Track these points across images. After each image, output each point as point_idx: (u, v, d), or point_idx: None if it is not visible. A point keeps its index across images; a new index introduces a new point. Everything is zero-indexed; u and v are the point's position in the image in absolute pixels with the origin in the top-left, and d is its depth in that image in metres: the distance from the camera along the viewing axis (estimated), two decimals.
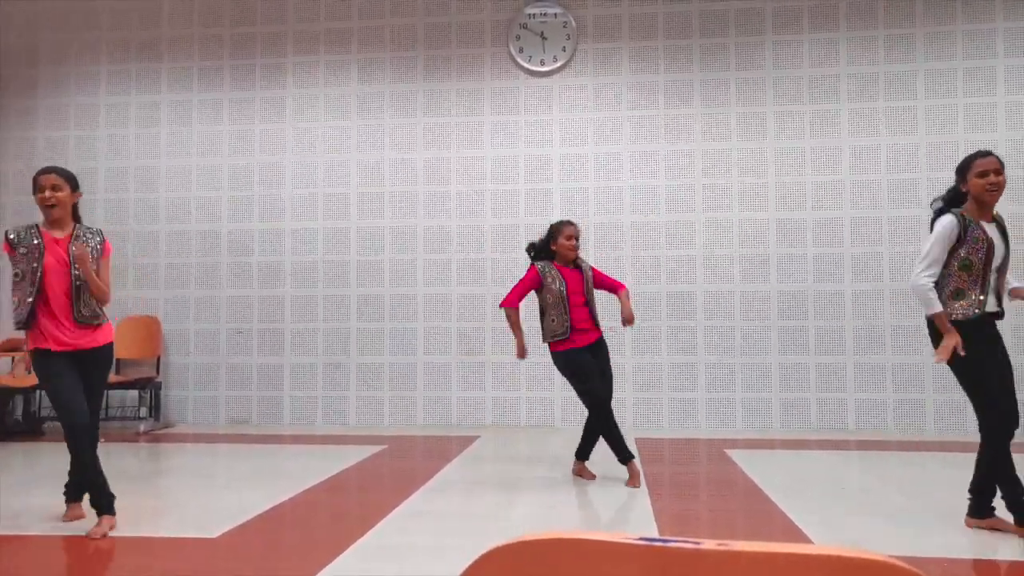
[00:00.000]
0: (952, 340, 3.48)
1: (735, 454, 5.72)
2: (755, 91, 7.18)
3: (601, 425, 4.68)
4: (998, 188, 3.55)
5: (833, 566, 0.66)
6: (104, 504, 3.74)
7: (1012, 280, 3.69)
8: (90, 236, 3.83)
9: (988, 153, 3.62)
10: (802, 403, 6.96)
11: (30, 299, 3.62)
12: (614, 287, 4.99)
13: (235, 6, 7.75)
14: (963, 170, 3.63)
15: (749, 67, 7.20)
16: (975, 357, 3.49)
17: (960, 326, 3.52)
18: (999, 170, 3.56)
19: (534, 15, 7.37)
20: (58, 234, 3.74)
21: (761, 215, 7.10)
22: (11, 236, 3.71)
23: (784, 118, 7.14)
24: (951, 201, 3.67)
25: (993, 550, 3.36)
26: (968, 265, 3.53)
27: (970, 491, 3.63)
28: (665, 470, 5.45)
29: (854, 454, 5.95)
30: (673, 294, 7.13)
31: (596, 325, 4.82)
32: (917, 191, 6.88)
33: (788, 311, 7.02)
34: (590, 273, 4.93)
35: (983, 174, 3.54)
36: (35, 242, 3.68)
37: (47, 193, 3.69)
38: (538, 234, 7.22)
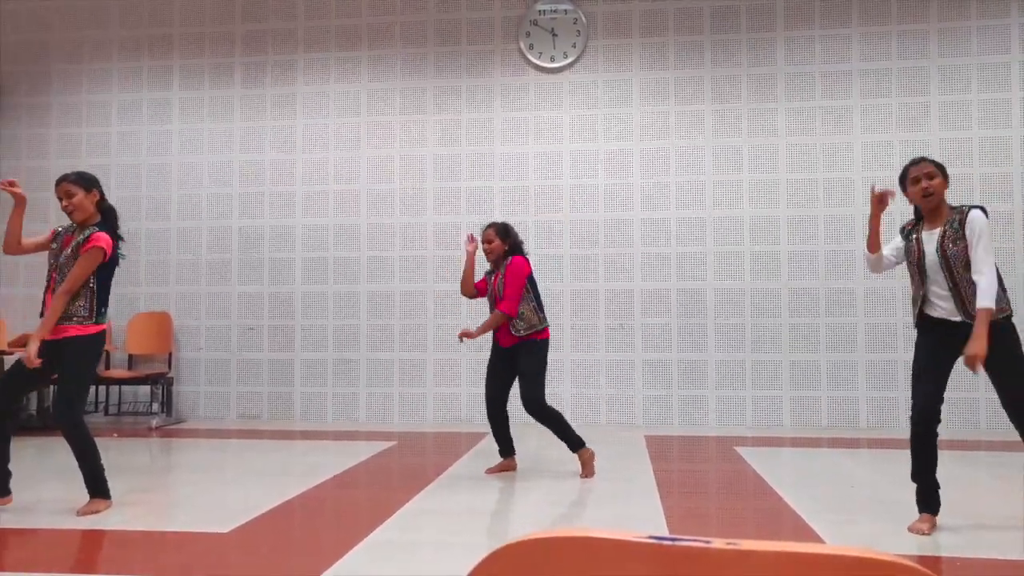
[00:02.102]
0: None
1: (745, 452, 5.71)
2: (766, 87, 7.15)
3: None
4: (930, 192, 3.55)
5: (843, 566, 0.66)
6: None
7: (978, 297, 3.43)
8: (80, 238, 3.95)
9: (919, 160, 3.68)
10: (813, 401, 6.94)
11: (44, 295, 3.95)
12: (500, 304, 4.86)
13: (246, 3, 7.77)
14: (902, 181, 3.73)
15: (760, 63, 7.17)
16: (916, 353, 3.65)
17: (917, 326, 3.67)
18: (930, 174, 3.57)
19: (544, 11, 7.36)
20: (79, 236, 3.99)
21: (772, 211, 7.07)
22: (59, 230, 4.10)
23: (795, 114, 7.11)
24: (917, 215, 3.75)
25: (1008, 550, 3.34)
26: (912, 275, 3.68)
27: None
28: (675, 468, 5.44)
29: (865, 452, 5.92)
30: (683, 291, 7.11)
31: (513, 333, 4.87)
32: None
33: (799, 308, 6.99)
34: (500, 279, 4.89)
35: (915, 180, 3.60)
36: (60, 242, 4.03)
37: (64, 203, 3.98)
38: (547, 231, 7.28)
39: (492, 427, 4.97)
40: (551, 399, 5.06)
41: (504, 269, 4.86)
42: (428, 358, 7.36)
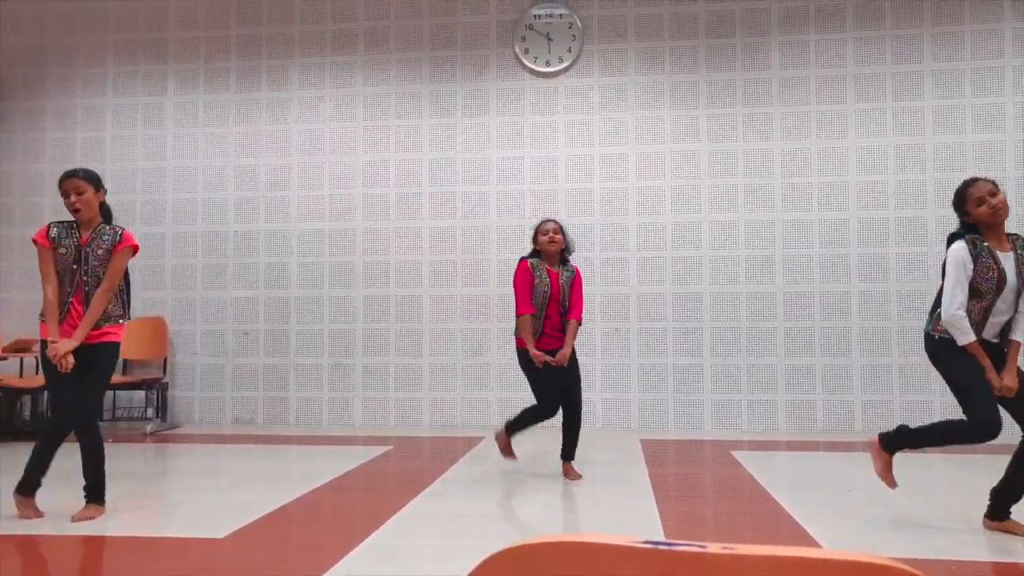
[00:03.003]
0: (993, 375, 3.45)
1: (741, 456, 5.71)
2: (761, 92, 7.17)
3: (527, 418, 4.76)
4: (1000, 208, 3.46)
5: (839, 569, 0.66)
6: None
7: (1019, 327, 3.52)
8: (106, 237, 3.93)
9: (975, 180, 3.57)
10: (808, 405, 6.95)
11: (70, 299, 3.86)
12: (571, 313, 4.79)
13: (241, 8, 7.77)
14: (961, 204, 3.57)
15: (755, 68, 7.19)
16: (959, 363, 3.49)
17: (946, 343, 3.53)
18: (993, 191, 3.48)
19: (540, 16, 7.37)
20: (84, 234, 3.93)
21: (767, 215, 7.09)
22: (53, 233, 3.91)
23: (790, 119, 7.13)
24: (966, 231, 3.59)
25: (1003, 552, 3.35)
26: (977, 293, 3.47)
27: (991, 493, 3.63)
28: (670, 472, 5.44)
29: (860, 456, 5.93)
30: (679, 295, 7.12)
31: (563, 333, 4.77)
32: (924, 192, 6.86)
33: (794, 312, 7.01)
34: (567, 281, 4.79)
35: (980, 201, 3.48)
36: (74, 242, 3.90)
37: (72, 198, 3.88)
38: None
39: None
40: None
41: (573, 275, 4.81)
42: (424, 363, 7.36)
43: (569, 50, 7.34)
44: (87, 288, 3.87)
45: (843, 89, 7.08)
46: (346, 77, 7.63)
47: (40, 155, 7.90)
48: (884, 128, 7.02)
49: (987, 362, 3.46)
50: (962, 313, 3.44)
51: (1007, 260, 3.48)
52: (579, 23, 7.33)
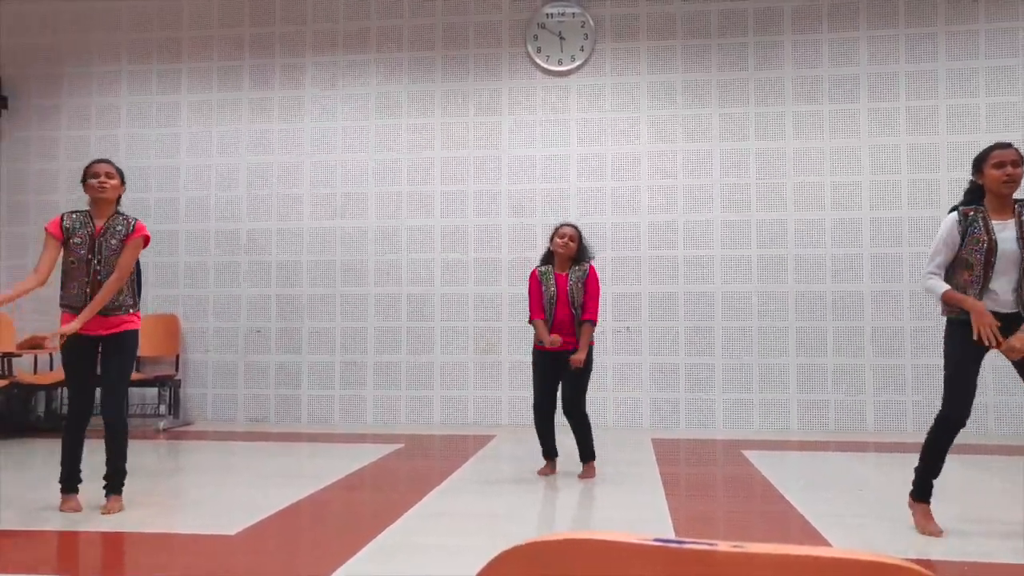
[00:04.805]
0: (981, 318, 3.34)
1: (752, 455, 5.69)
2: (774, 91, 7.14)
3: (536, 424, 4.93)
4: (1014, 180, 3.40)
5: (849, 569, 0.66)
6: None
7: None
8: (120, 227, 3.97)
9: (1007, 144, 3.49)
10: (820, 404, 6.92)
11: (88, 288, 3.87)
12: (584, 314, 4.81)
13: (254, 6, 7.80)
14: (979, 161, 3.52)
15: (767, 67, 7.16)
16: (949, 351, 3.50)
17: (954, 324, 3.50)
18: (1017, 161, 3.41)
19: (552, 15, 7.37)
20: (99, 223, 3.95)
21: (779, 215, 7.06)
22: (67, 223, 3.92)
23: (803, 118, 7.10)
24: (971, 197, 3.57)
25: (1014, 554, 3.32)
26: (968, 264, 3.45)
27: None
28: (682, 470, 5.43)
29: (872, 456, 5.90)
30: (691, 294, 7.11)
31: (575, 335, 4.80)
32: (937, 191, 6.82)
33: (806, 312, 6.98)
34: (579, 281, 4.82)
35: (999, 164, 3.42)
36: (89, 231, 3.92)
37: (103, 179, 3.91)
38: None
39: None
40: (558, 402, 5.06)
41: (585, 276, 4.84)
42: (435, 361, 7.37)
43: (581, 49, 7.33)
44: (100, 278, 3.89)
45: (856, 88, 7.03)
46: (359, 76, 7.65)
47: (55, 153, 7.96)
48: (898, 127, 6.96)
49: (970, 303, 3.39)
50: (932, 271, 3.51)
51: (1005, 228, 3.43)
52: (591, 22, 7.32)
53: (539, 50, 7.38)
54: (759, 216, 7.09)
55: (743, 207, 7.11)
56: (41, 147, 8.00)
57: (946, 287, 3.47)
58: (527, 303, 4.96)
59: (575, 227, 4.95)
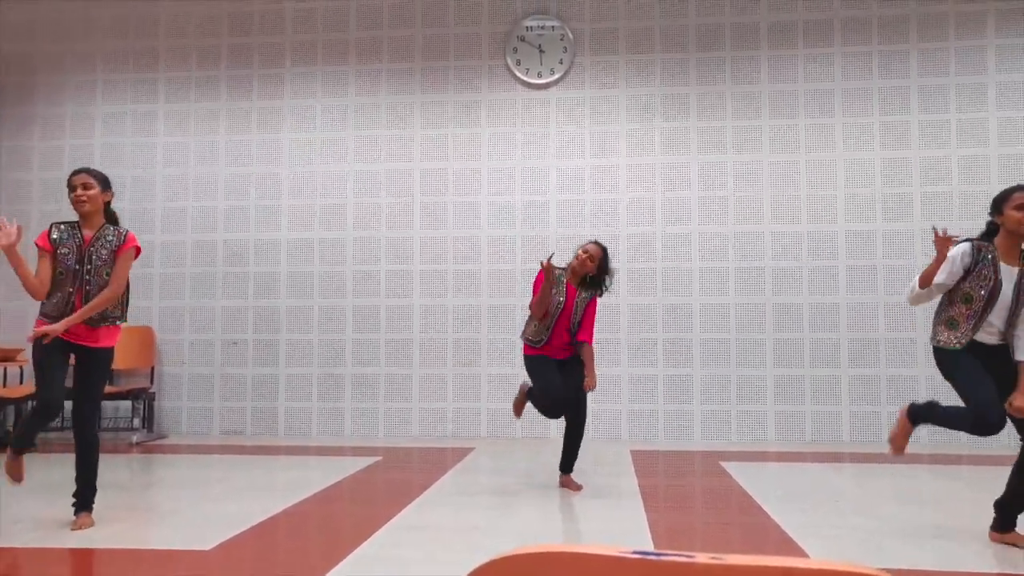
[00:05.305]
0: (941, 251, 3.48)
1: (730, 466, 5.72)
2: (751, 105, 7.22)
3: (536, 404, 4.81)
4: None
5: None
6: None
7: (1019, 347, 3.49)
8: (110, 238, 3.93)
9: None
10: (797, 415, 6.97)
11: (74, 299, 3.82)
12: (581, 334, 4.80)
13: (233, 16, 7.77)
14: (1000, 202, 3.56)
15: (745, 81, 7.25)
16: (951, 368, 3.54)
17: (942, 352, 3.56)
18: None
19: (532, 28, 7.41)
20: (87, 233, 3.91)
21: (757, 227, 7.13)
22: (54, 236, 3.88)
23: (779, 132, 7.18)
24: (985, 236, 3.62)
25: (1005, 563, 3.36)
26: (968, 298, 3.51)
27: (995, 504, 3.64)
28: (660, 482, 5.44)
29: (848, 466, 5.95)
30: (668, 306, 7.14)
31: (572, 348, 4.81)
32: (911, 204, 6.91)
33: (783, 323, 7.04)
34: (583, 302, 4.80)
35: (1021, 207, 3.46)
36: (76, 242, 3.87)
37: (79, 191, 3.88)
38: (533, 246, 7.30)
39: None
40: (538, 414, 5.05)
41: (590, 298, 4.81)
42: (414, 373, 7.34)
43: (561, 62, 7.38)
44: (89, 287, 3.84)
45: (831, 103, 7.13)
46: (338, 87, 7.64)
47: (28, 163, 7.87)
48: (871, 141, 7.07)
49: (940, 256, 3.49)
50: (916, 283, 3.60)
51: (1010, 274, 3.50)
52: (571, 35, 7.37)
53: (519, 63, 7.42)
54: (736, 228, 7.15)
55: (721, 220, 7.17)
56: (13, 157, 7.89)
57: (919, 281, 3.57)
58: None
59: (602, 248, 4.84)
